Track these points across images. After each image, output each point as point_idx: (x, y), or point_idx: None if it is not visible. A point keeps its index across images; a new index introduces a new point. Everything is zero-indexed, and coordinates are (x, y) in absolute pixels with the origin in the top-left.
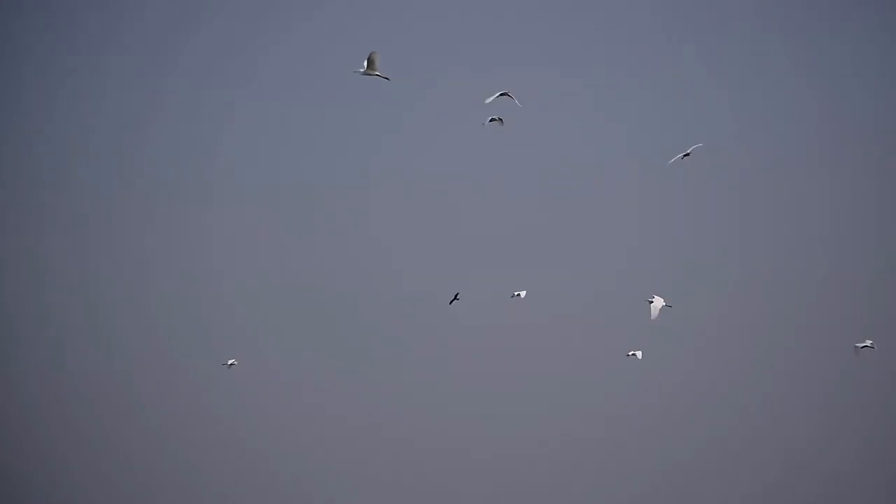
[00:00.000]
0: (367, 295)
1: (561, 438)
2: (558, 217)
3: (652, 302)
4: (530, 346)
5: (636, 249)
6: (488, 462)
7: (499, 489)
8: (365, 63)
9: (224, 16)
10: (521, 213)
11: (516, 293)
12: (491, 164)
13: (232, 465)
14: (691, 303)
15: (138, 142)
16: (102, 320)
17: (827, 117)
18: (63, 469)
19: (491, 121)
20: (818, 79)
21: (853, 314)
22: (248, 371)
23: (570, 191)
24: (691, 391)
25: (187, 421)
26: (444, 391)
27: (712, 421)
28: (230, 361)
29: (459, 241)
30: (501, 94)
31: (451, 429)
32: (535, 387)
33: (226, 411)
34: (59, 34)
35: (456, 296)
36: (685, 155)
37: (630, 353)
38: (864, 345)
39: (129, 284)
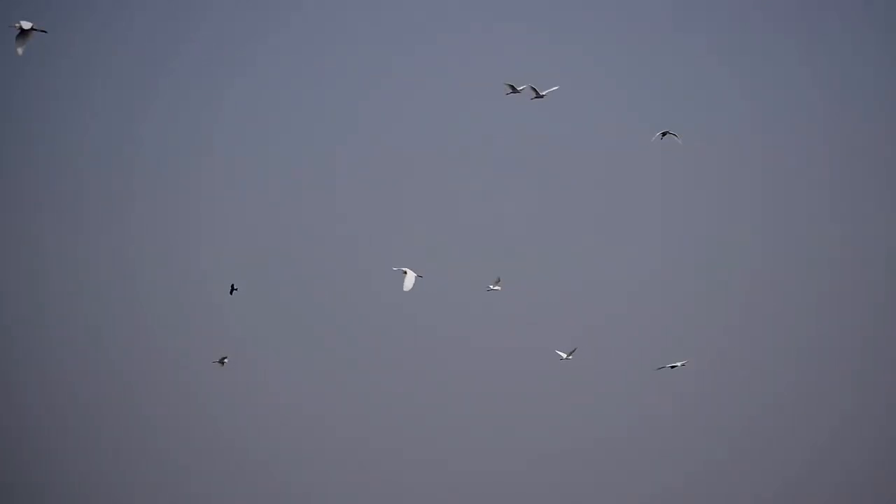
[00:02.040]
0: (364, 293)
1: (560, 441)
2: (560, 214)
3: (405, 273)
4: (526, 341)
5: (636, 246)
6: (481, 457)
7: (495, 488)
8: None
9: (211, 16)
10: (522, 210)
11: (563, 354)
12: (493, 161)
13: (223, 460)
14: (697, 302)
15: (132, 140)
16: (96, 318)
17: (834, 113)
18: (57, 467)
19: (512, 92)
20: (823, 73)
21: (868, 312)
22: (240, 367)
23: (570, 187)
24: (700, 391)
25: (179, 417)
26: (437, 390)
27: (720, 422)
28: (223, 358)
29: (456, 238)
30: (516, 90)
31: (445, 427)
32: (535, 385)
33: (216, 406)
34: (52, 33)
35: (233, 287)
36: (663, 134)
37: (567, 355)
38: (674, 364)
39: (121, 279)
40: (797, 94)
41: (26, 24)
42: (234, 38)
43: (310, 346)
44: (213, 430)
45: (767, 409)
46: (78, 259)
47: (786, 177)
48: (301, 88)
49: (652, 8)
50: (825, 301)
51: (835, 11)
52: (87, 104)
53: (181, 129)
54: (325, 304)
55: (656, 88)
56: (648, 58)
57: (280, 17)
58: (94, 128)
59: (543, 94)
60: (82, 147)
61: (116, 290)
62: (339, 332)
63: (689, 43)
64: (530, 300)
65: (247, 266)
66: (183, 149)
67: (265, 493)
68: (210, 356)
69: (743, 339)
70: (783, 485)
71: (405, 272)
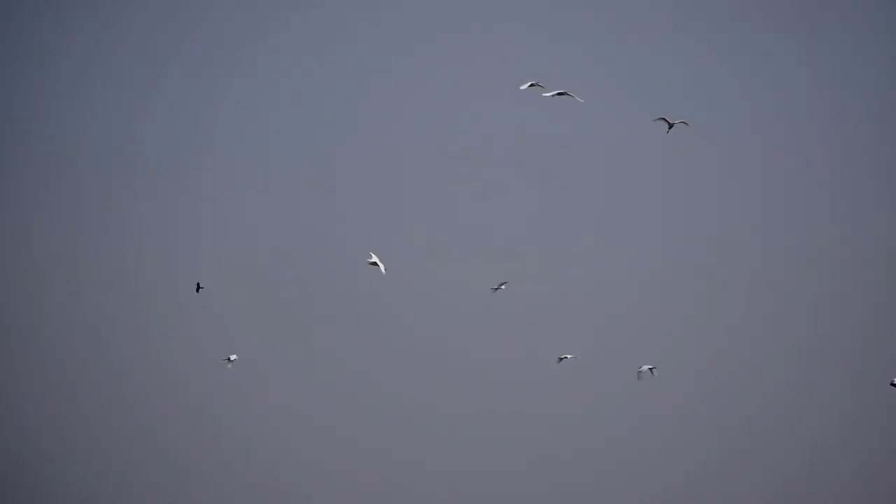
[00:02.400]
0: (364, 293)
1: (560, 441)
2: (560, 214)
3: (375, 263)
4: (526, 341)
5: (636, 247)
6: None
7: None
8: None
9: (211, 14)
10: (522, 210)
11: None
12: (493, 161)
13: (222, 460)
14: (697, 303)
15: (132, 140)
16: (96, 318)
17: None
18: (57, 468)
19: (531, 86)
20: (823, 73)
21: (868, 312)
22: (239, 367)
23: (570, 187)
24: (701, 394)
25: (177, 417)
26: (437, 389)
27: (722, 425)
28: (231, 357)
29: (456, 238)
30: (532, 85)
31: (445, 427)
32: (535, 385)
33: (215, 406)
34: (53, 33)
35: (198, 285)
36: (670, 126)
37: (563, 358)
38: (645, 368)
39: (121, 279)
40: (797, 93)
41: None
42: (234, 38)
43: (310, 346)
44: (212, 430)
45: (767, 410)
46: (78, 259)
47: (786, 177)
48: (301, 88)
49: (652, 8)
50: (825, 301)
51: (835, 11)
52: (87, 104)
53: (181, 128)
54: (324, 303)
55: (656, 88)
56: (648, 58)
57: (280, 17)
58: (94, 128)
59: (567, 92)
60: (82, 147)
61: (116, 290)
62: (338, 331)
63: (689, 43)
64: (529, 300)
65: (246, 266)
66: (183, 149)
67: (265, 494)
68: (208, 356)
69: (743, 339)
70: (783, 485)
71: (375, 263)
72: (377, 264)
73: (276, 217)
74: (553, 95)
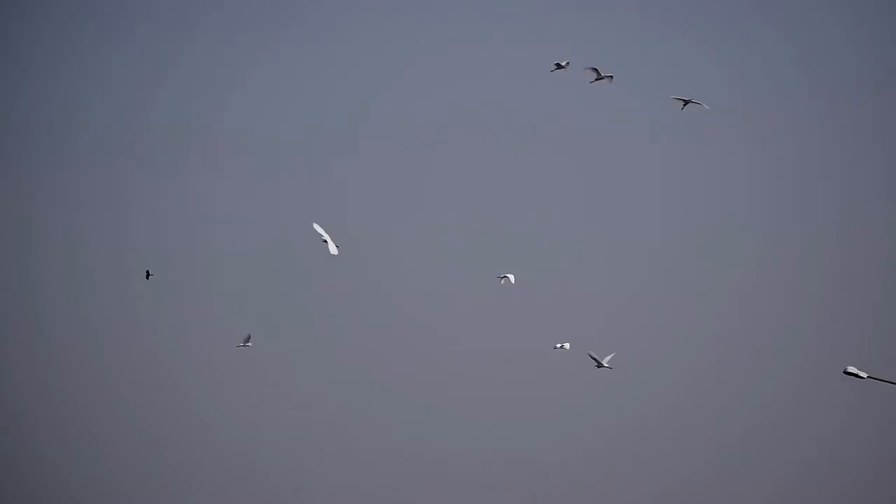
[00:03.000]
0: (365, 291)
1: (560, 441)
2: (559, 213)
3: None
4: (525, 339)
5: (635, 246)
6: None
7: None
8: None
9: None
10: (519, 209)
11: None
12: (491, 159)
13: (221, 462)
14: (697, 302)
15: (132, 137)
16: (94, 320)
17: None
18: (55, 469)
19: (557, 67)
20: (824, 71)
21: (869, 312)
22: (238, 367)
23: (569, 185)
24: (699, 394)
25: (175, 416)
26: (437, 386)
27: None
28: (245, 342)
29: (455, 235)
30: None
31: (447, 426)
32: (534, 383)
33: (212, 406)
34: (53, 30)
35: (147, 273)
36: (685, 103)
37: (559, 346)
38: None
39: (118, 277)
40: (799, 92)
41: None
42: (235, 37)
43: (310, 344)
44: (209, 431)
45: (772, 409)
46: (76, 257)
47: (788, 171)
48: (302, 85)
49: (652, 4)
50: (827, 300)
51: (836, 7)
52: (87, 101)
53: (181, 126)
54: (327, 299)
55: (656, 85)
56: (648, 53)
57: (288, 14)
58: (94, 125)
59: (604, 74)
60: (81, 143)
61: (114, 288)
62: (341, 328)
63: (687, 39)
64: (528, 299)
65: (246, 265)
66: (183, 148)
67: (263, 492)
68: (207, 356)
69: (745, 338)
70: (783, 485)
71: (326, 241)
72: (326, 242)
73: (277, 214)
74: (594, 81)
